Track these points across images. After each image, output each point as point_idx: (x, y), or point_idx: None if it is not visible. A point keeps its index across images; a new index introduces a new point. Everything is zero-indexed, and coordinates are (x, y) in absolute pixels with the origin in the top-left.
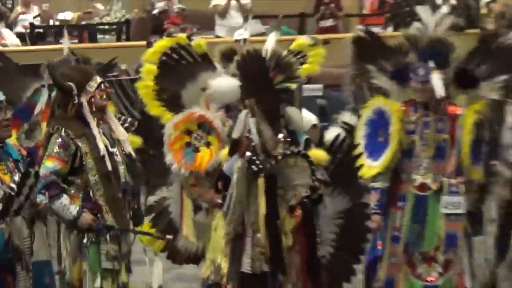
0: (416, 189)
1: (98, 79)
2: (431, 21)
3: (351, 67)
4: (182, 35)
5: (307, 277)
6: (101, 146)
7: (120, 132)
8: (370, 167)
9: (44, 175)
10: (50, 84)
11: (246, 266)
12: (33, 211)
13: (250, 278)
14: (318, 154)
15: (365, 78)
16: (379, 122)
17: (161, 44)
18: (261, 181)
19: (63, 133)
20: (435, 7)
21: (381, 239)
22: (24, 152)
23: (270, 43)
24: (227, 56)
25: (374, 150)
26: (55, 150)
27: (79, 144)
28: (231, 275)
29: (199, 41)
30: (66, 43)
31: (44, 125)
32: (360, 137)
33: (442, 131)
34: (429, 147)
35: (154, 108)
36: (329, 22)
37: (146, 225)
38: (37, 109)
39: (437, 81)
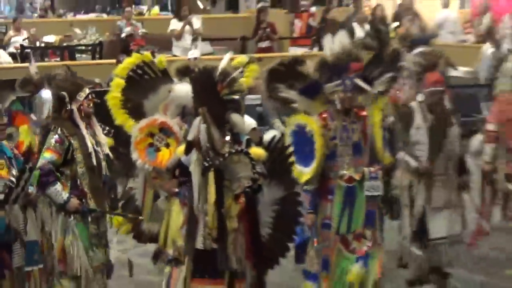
0: (345, 182)
1: (87, 91)
2: (348, 43)
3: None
4: (147, 53)
5: (251, 254)
6: (89, 144)
7: (101, 136)
8: (300, 172)
9: (42, 164)
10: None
11: (199, 243)
12: (25, 200)
13: (202, 253)
14: (257, 152)
15: (276, 93)
16: (302, 135)
17: (130, 61)
18: (211, 175)
19: (59, 131)
20: (352, 32)
21: (316, 235)
22: (16, 151)
23: (224, 61)
24: (182, 71)
25: (301, 158)
26: (52, 144)
27: (72, 141)
28: (187, 251)
29: (160, 58)
30: (32, 64)
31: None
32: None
33: (357, 129)
34: (348, 147)
35: (119, 117)
36: (265, 44)
37: (119, 211)
38: (45, 114)
39: (363, 83)
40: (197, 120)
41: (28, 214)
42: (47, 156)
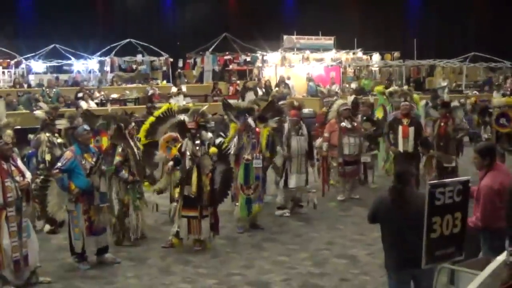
0: (245, 161)
1: (132, 124)
2: (252, 99)
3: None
4: (167, 104)
5: (212, 198)
6: (135, 150)
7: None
8: None
9: (116, 162)
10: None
11: (186, 192)
12: (100, 172)
13: (187, 197)
14: (213, 149)
15: (228, 117)
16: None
17: (163, 108)
18: (194, 168)
19: (122, 145)
20: (256, 92)
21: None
22: (96, 148)
23: (203, 107)
24: (178, 111)
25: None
26: (119, 152)
27: (127, 149)
28: (181, 196)
29: (173, 105)
30: (109, 107)
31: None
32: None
33: (254, 138)
34: (249, 144)
35: (141, 136)
36: (216, 98)
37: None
38: (109, 134)
39: (251, 121)
40: (187, 139)
41: (101, 179)
42: (117, 158)
